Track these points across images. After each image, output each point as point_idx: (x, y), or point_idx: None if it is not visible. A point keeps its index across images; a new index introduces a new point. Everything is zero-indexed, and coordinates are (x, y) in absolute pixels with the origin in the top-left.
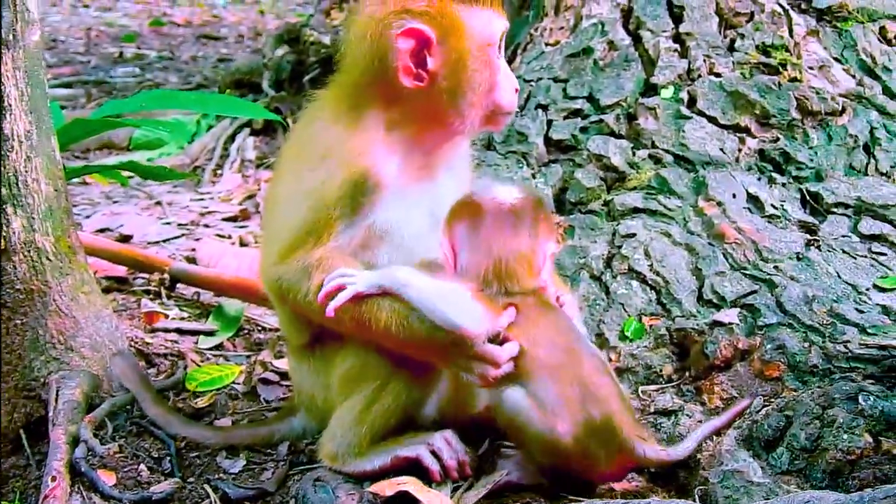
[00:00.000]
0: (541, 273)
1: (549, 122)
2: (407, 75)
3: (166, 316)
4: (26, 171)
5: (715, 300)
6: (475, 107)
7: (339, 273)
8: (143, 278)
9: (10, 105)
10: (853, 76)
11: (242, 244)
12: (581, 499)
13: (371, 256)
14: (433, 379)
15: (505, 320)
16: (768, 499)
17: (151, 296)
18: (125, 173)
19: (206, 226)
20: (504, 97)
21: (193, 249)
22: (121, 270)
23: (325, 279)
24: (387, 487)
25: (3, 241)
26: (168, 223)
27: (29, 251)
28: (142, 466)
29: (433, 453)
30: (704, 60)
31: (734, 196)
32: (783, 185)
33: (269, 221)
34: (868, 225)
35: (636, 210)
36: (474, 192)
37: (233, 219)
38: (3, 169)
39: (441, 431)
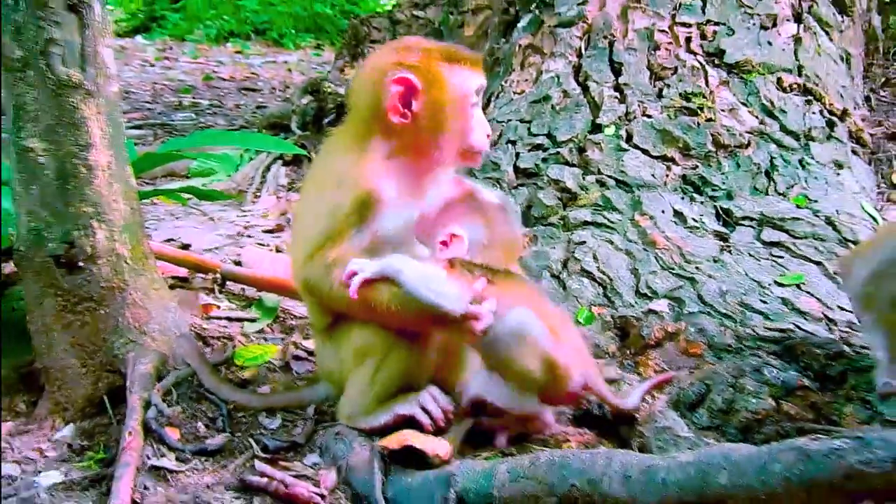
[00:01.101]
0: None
1: (517, 154)
2: (395, 113)
3: (218, 307)
4: (108, 194)
5: (649, 293)
6: (451, 144)
7: (352, 263)
8: (200, 277)
9: (95, 142)
10: (756, 117)
11: (278, 251)
12: (544, 448)
13: (376, 256)
14: (427, 350)
15: (479, 286)
16: (692, 449)
17: (207, 291)
18: (185, 196)
19: (249, 236)
20: (475, 140)
21: (239, 255)
22: (182, 271)
23: (343, 270)
24: (394, 441)
25: (90, 248)
26: (219, 234)
27: (111, 257)
28: (199, 424)
29: (423, 409)
30: (639, 105)
31: (663, 212)
32: (701, 202)
33: (296, 231)
34: (769, 234)
35: (586, 223)
36: (472, 191)
37: (270, 231)
38: (90, 192)
39: (428, 388)
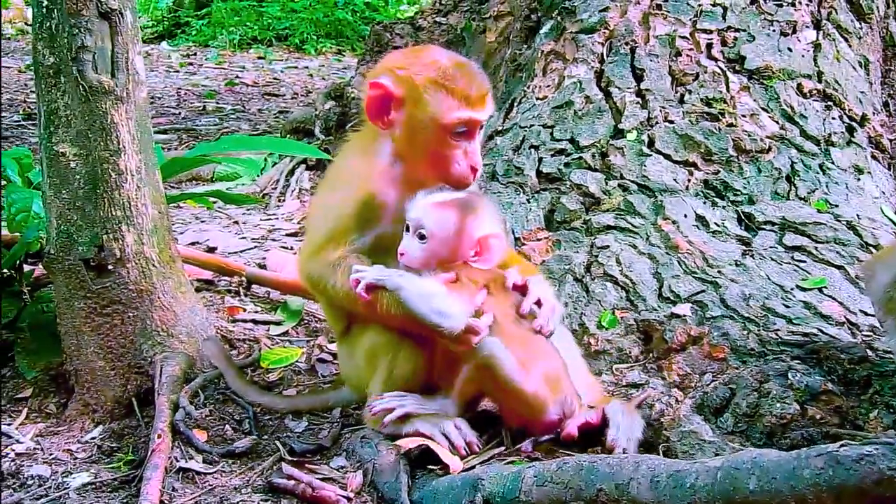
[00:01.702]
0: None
1: (540, 159)
2: (370, 116)
3: (244, 310)
4: (137, 198)
5: (672, 297)
6: (427, 165)
7: (354, 270)
8: (225, 281)
9: (125, 147)
10: (777, 122)
11: None
12: (571, 452)
13: (378, 259)
14: (434, 348)
15: (479, 300)
16: (718, 454)
17: (232, 294)
18: (211, 199)
19: (273, 240)
20: (455, 172)
21: (264, 258)
22: (208, 274)
23: (344, 272)
24: (410, 442)
25: (119, 252)
26: (244, 238)
27: (139, 260)
28: (227, 427)
29: (445, 435)
30: (660, 110)
31: (685, 216)
32: (723, 207)
33: (306, 228)
34: (791, 238)
35: (609, 227)
36: (438, 196)
37: (293, 234)
38: (120, 196)
39: (454, 419)
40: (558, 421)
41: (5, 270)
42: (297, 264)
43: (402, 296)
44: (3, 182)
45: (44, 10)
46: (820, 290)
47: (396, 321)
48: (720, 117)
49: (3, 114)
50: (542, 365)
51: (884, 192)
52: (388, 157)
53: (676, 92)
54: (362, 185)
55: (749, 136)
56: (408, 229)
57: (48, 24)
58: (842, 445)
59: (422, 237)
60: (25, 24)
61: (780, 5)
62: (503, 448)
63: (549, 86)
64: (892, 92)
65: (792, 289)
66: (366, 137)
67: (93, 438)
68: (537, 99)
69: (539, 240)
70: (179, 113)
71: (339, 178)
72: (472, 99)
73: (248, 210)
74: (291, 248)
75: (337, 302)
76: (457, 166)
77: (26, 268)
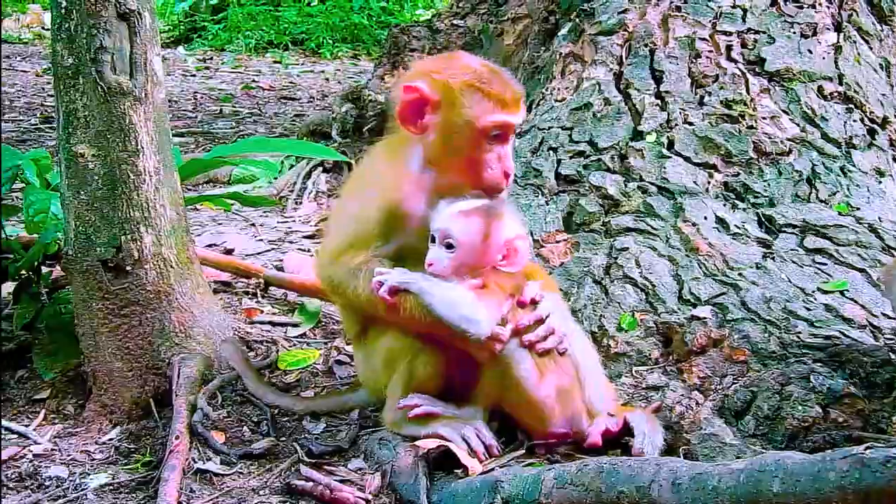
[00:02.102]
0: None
1: (559, 161)
2: (404, 122)
3: (262, 311)
4: (155, 199)
5: (692, 300)
6: (460, 171)
7: (377, 272)
8: (243, 282)
9: (143, 148)
10: (797, 124)
11: None
12: (586, 456)
13: (400, 266)
14: (452, 352)
15: (506, 309)
16: (739, 457)
17: (250, 296)
18: (229, 201)
19: (291, 242)
20: (488, 177)
21: (281, 260)
22: (226, 276)
23: (367, 278)
24: (429, 443)
25: (137, 253)
26: (261, 240)
27: (157, 261)
28: (245, 428)
29: (464, 439)
30: (680, 112)
31: (705, 218)
32: (744, 209)
33: (328, 230)
34: (812, 241)
35: (628, 229)
36: (462, 205)
37: (311, 237)
38: (138, 197)
39: (475, 423)
40: (563, 435)
41: (24, 272)
42: (315, 267)
43: (426, 300)
44: (22, 183)
45: (62, 11)
46: (841, 292)
47: (419, 325)
48: (740, 119)
49: (21, 117)
50: (557, 377)
51: None
52: (418, 164)
53: (696, 94)
54: (389, 192)
55: (769, 138)
56: (433, 240)
57: (67, 25)
58: (867, 448)
59: (449, 246)
60: (43, 28)
61: (801, 7)
62: (523, 451)
63: (567, 88)
64: None
65: (813, 291)
66: (395, 144)
67: (110, 439)
68: (556, 101)
69: (558, 242)
70: (196, 116)
71: (365, 184)
72: (508, 102)
73: (266, 212)
74: (308, 251)
75: (357, 306)
76: (490, 171)
77: (44, 269)
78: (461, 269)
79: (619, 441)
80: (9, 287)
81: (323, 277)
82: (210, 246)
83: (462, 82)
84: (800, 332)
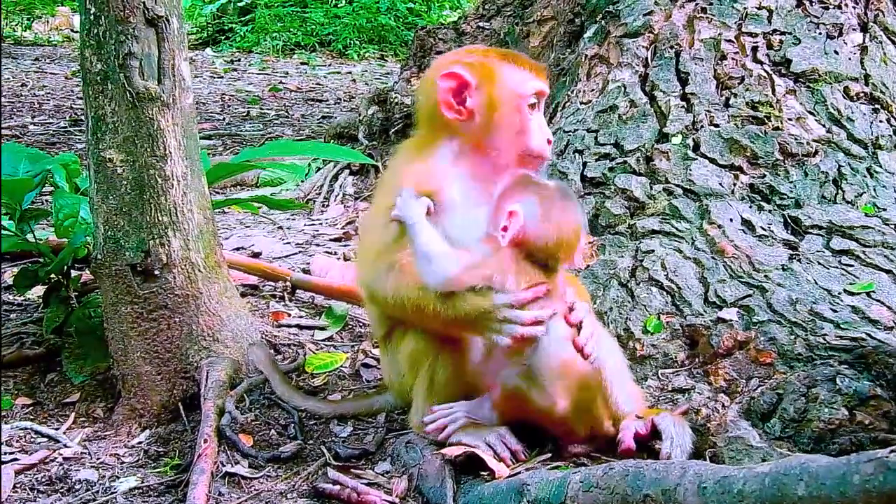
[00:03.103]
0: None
1: (584, 164)
2: (448, 109)
3: (289, 315)
4: (183, 203)
5: (718, 302)
6: (509, 145)
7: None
8: (270, 286)
9: (171, 153)
10: (823, 125)
11: (346, 259)
12: (612, 460)
13: None
14: (472, 348)
15: (530, 294)
16: (765, 460)
17: (277, 299)
18: (256, 204)
19: (318, 245)
20: (533, 142)
21: (308, 263)
22: (253, 279)
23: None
24: (456, 450)
25: (165, 257)
26: (288, 243)
27: (185, 265)
28: (272, 431)
29: (489, 446)
30: (706, 114)
31: (731, 220)
32: (769, 211)
33: (362, 241)
34: (838, 242)
35: (654, 231)
36: (533, 177)
37: (338, 239)
38: (166, 201)
39: (497, 429)
40: (580, 434)
41: (53, 276)
42: (357, 277)
43: (410, 232)
44: (51, 188)
45: (91, 17)
46: (868, 294)
47: (440, 321)
48: (766, 121)
49: (51, 120)
50: (580, 372)
51: None
52: (451, 156)
53: (722, 95)
54: (423, 185)
55: (795, 139)
56: (489, 221)
57: (95, 30)
58: (892, 451)
59: (507, 228)
60: (72, 31)
61: (826, 8)
62: (549, 455)
63: (593, 90)
64: None
65: (840, 293)
66: (422, 143)
67: (140, 443)
68: (581, 103)
69: (583, 244)
70: (224, 119)
71: (397, 182)
72: (540, 70)
73: (293, 215)
74: (335, 254)
75: (394, 310)
76: (537, 138)
77: (74, 273)
78: (515, 254)
79: (646, 445)
80: (39, 291)
81: (362, 287)
82: (237, 249)
83: (495, 59)
84: (826, 334)
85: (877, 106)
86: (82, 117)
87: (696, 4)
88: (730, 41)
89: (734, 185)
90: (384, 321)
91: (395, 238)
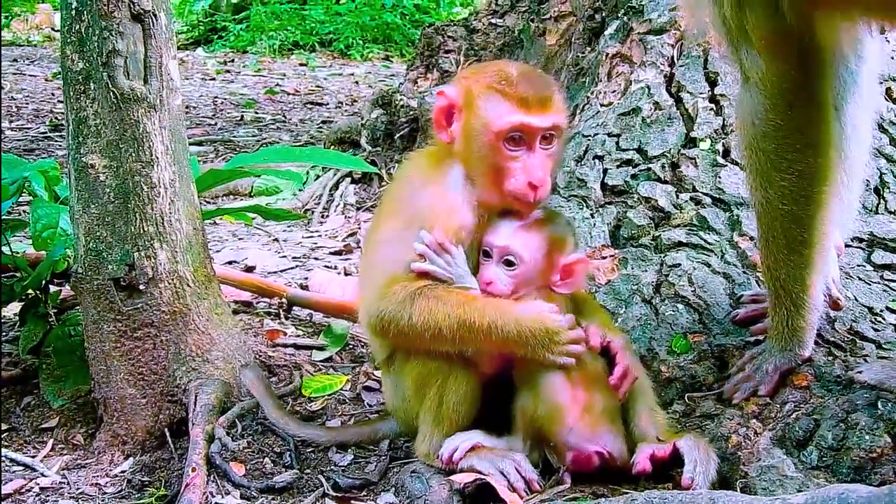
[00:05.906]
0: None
1: (605, 171)
2: (439, 129)
3: (285, 333)
4: (170, 213)
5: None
6: (487, 179)
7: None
8: (264, 302)
9: (158, 158)
10: None
11: (346, 273)
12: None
13: None
14: (479, 371)
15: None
16: (801, 491)
17: (272, 317)
18: (250, 214)
19: (316, 258)
20: (510, 185)
21: (306, 278)
22: (246, 295)
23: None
24: (465, 477)
25: (151, 271)
26: (284, 256)
27: (173, 279)
28: (266, 460)
29: (503, 474)
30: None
31: None
32: None
33: (367, 266)
34: (880, 256)
35: (680, 244)
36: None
37: (338, 253)
38: (152, 211)
39: (513, 455)
40: (594, 456)
41: (30, 291)
42: (361, 312)
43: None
44: (29, 196)
45: (73, 11)
46: None
47: (491, 341)
48: None
49: (29, 125)
50: (590, 397)
51: None
52: (460, 177)
53: None
54: (435, 216)
55: None
56: (486, 256)
57: (77, 27)
58: None
59: (509, 263)
60: (53, 30)
61: None
62: (567, 485)
63: (614, 91)
64: None
65: (882, 310)
66: (433, 156)
67: (123, 472)
68: (602, 105)
69: (604, 258)
70: (216, 123)
71: (406, 207)
72: (529, 102)
73: (290, 226)
74: (335, 268)
75: (411, 342)
76: (512, 181)
77: (52, 288)
78: (521, 288)
79: (668, 473)
80: (15, 308)
81: (372, 316)
82: (230, 263)
83: (483, 84)
84: (867, 356)
85: None
86: (63, 122)
87: None
88: None
89: None
90: (385, 343)
91: (408, 267)
